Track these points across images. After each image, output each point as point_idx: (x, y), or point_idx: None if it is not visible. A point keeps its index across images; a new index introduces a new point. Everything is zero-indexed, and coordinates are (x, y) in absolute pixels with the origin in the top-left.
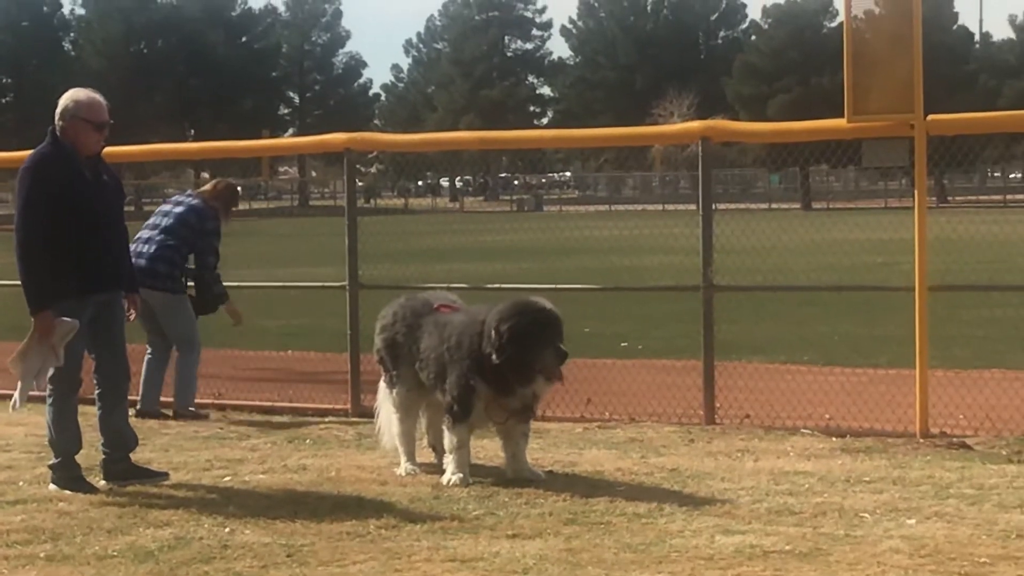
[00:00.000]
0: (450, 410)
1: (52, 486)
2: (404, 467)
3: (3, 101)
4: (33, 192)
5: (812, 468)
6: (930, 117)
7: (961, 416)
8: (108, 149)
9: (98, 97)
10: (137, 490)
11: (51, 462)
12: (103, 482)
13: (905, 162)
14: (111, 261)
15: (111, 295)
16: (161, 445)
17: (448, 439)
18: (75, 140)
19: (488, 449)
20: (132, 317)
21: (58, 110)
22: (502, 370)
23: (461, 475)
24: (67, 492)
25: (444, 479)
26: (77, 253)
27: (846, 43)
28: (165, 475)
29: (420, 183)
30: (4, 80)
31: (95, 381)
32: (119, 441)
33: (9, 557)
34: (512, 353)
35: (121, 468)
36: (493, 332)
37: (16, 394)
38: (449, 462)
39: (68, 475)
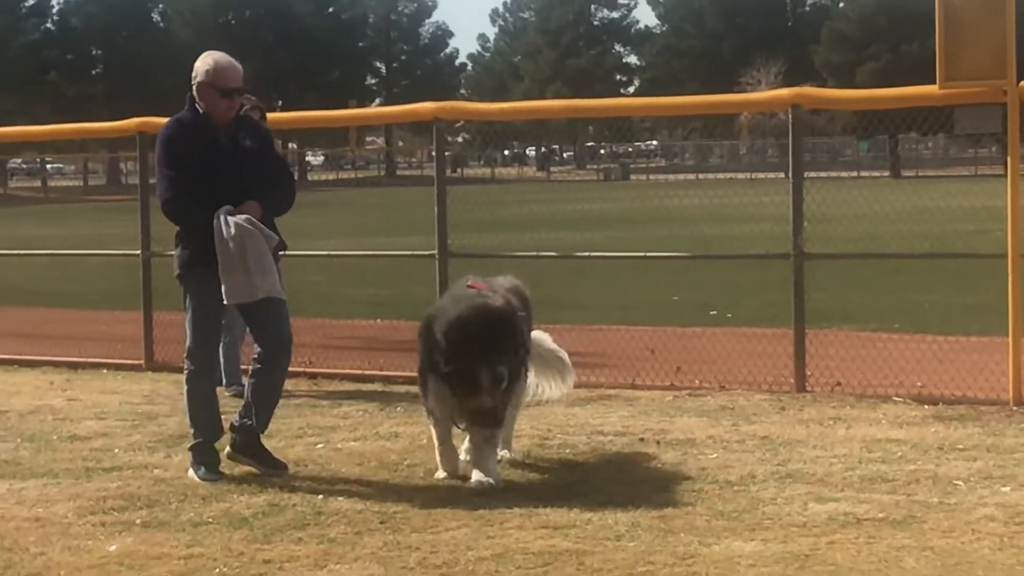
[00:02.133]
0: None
1: (190, 471)
2: None
3: (93, 72)
4: (164, 160)
5: (905, 436)
6: (1023, 83)
7: None
8: None
9: (226, 61)
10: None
11: (190, 444)
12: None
13: (998, 128)
14: None
15: None
16: None
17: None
18: (206, 106)
19: (579, 417)
20: (251, 213)
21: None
22: (449, 378)
23: (444, 473)
24: (165, 460)
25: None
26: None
27: (937, 9)
28: (284, 468)
29: (506, 152)
30: (94, 52)
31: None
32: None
33: (106, 523)
34: (453, 367)
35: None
36: (441, 338)
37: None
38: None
39: (202, 460)
